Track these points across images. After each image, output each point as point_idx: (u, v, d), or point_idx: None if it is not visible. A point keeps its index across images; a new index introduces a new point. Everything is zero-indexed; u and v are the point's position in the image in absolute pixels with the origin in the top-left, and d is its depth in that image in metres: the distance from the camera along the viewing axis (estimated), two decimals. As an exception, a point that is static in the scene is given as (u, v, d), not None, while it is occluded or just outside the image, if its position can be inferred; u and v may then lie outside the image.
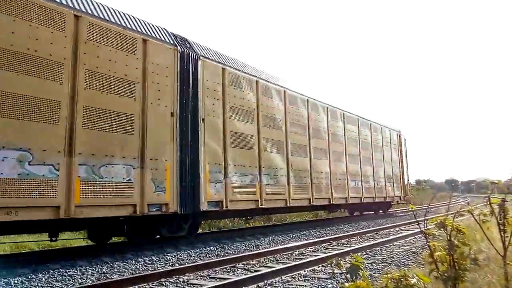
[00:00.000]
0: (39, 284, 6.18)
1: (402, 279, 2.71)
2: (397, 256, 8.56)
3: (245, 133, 11.71)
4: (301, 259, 8.04)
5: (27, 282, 6.22)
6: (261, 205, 11.78)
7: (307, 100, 15.05)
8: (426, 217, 3.72)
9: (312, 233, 13.05)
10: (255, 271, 6.93)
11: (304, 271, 6.96)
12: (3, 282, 6.15)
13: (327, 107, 16.34)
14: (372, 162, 19.81)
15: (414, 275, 2.77)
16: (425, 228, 3.38)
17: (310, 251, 9.34)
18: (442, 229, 3.13)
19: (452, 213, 3.50)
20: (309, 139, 14.72)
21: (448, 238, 3.12)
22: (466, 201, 34.89)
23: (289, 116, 13.77)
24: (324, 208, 17.74)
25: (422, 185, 63.04)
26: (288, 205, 12.98)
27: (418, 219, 3.55)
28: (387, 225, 15.07)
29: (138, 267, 7.57)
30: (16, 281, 6.22)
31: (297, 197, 13.46)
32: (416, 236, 11.55)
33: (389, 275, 2.80)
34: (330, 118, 16.45)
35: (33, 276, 6.54)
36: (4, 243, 10.20)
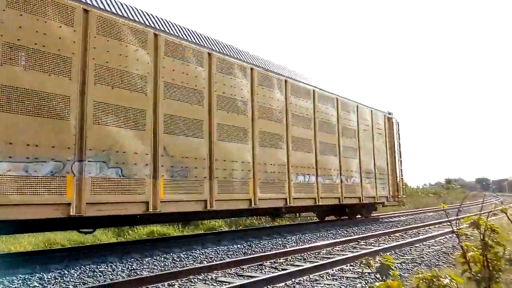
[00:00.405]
0: (72, 279, 6.35)
1: (434, 280, 2.67)
2: (427, 256, 8.41)
3: (42, 90, 6.88)
4: (329, 258, 7.99)
5: (60, 278, 6.39)
6: (78, 212, 7.09)
7: (208, 54, 10.17)
8: (458, 217, 3.65)
9: (340, 232, 12.94)
10: (283, 269, 6.93)
11: (332, 270, 6.92)
12: (37, 277, 6.35)
13: (250, 68, 11.46)
14: (339, 151, 14.82)
15: (447, 276, 2.72)
16: (457, 227, 3.32)
17: (338, 250, 9.27)
18: (475, 229, 3.07)
19: (485, 213, 3.43)
20: (211, 112, 9.96)
21: (482, 238, 3.05)
22: (498, 200, 34.04)
23: (164, 74, 8.98)
24: (246, 214, 12.96)
25: (452, 184, 61.77)
26: (152, 210, 8.29)
27: (450, 218, 3.49)
28: (416, 225, 14.83)
29: (167, 264, 7.69)
30: (49, 277, 6.41)
31: (175, 198, 8.83)
32: (447, 236, 11.32)
33: (420, 275, 2.77)
34: (258, 84, 11.65)
35: (65, 272, 6.73)
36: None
